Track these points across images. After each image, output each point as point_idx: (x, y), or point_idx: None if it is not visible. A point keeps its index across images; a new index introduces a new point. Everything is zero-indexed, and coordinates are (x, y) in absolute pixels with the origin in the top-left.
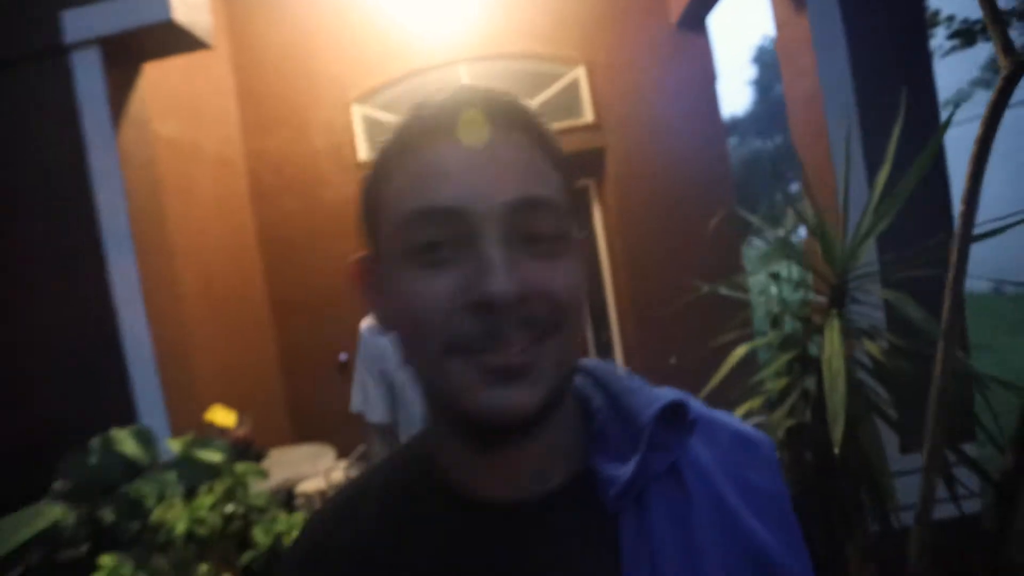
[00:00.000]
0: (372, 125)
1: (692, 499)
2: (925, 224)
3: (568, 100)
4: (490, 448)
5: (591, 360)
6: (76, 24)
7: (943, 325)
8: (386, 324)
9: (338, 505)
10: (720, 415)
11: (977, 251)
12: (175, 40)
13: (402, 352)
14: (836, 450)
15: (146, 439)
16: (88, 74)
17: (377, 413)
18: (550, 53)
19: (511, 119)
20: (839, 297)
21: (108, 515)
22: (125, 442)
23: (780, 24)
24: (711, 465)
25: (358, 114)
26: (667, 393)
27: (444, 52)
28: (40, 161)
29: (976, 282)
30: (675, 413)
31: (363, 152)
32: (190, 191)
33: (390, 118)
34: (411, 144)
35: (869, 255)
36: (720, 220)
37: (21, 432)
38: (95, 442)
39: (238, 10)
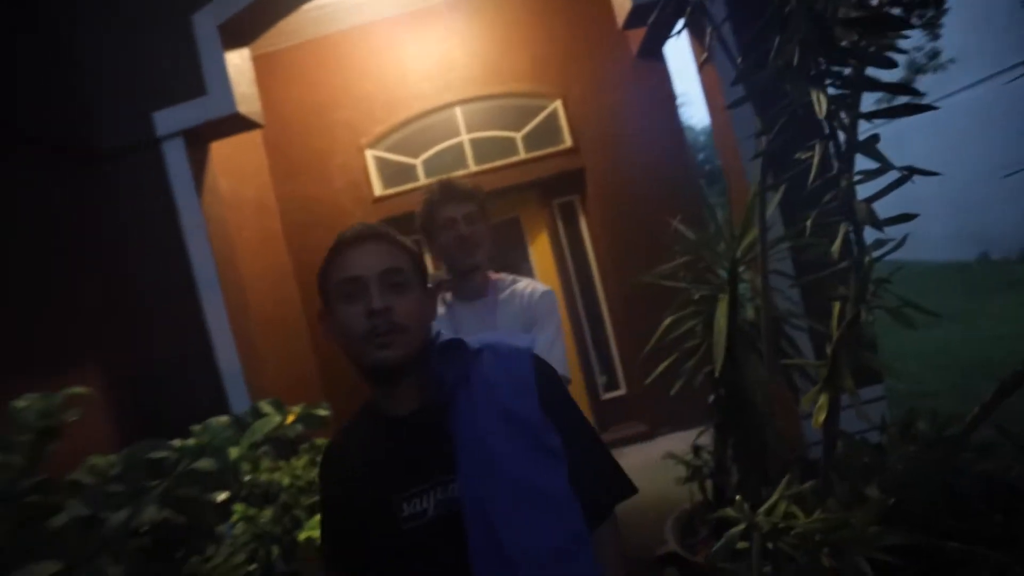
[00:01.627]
0: (383, 164)
1: (475, 392)
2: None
3: (549, 129)
4: (382, 384)
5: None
6: (165, 121)
7: (760, 285)
8: (334, 338)
9: (335, 440)
10: (504, 343)
11: (966, 221)
12: (237, 125)
13: (344, 350)
14: (716, 374)
15: (241, 424)
16: (175, 158)
17: None
18: (530, 90)
19: (379, 235)
20: (732, 277)
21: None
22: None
23: (699, 68)
24: (491, 370)
25: (370, 156)
26: (459, 339)
27: (440, 97)
28: (145, 226)
29: (965, 250)
30: (457, 348)
31: (376, 188)
32: (240, 233)
33: (397, 158)
34: (338, 251)
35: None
36: (680, 222)
37: (141, 420)
38: (197, 428)
39: (263, 75)
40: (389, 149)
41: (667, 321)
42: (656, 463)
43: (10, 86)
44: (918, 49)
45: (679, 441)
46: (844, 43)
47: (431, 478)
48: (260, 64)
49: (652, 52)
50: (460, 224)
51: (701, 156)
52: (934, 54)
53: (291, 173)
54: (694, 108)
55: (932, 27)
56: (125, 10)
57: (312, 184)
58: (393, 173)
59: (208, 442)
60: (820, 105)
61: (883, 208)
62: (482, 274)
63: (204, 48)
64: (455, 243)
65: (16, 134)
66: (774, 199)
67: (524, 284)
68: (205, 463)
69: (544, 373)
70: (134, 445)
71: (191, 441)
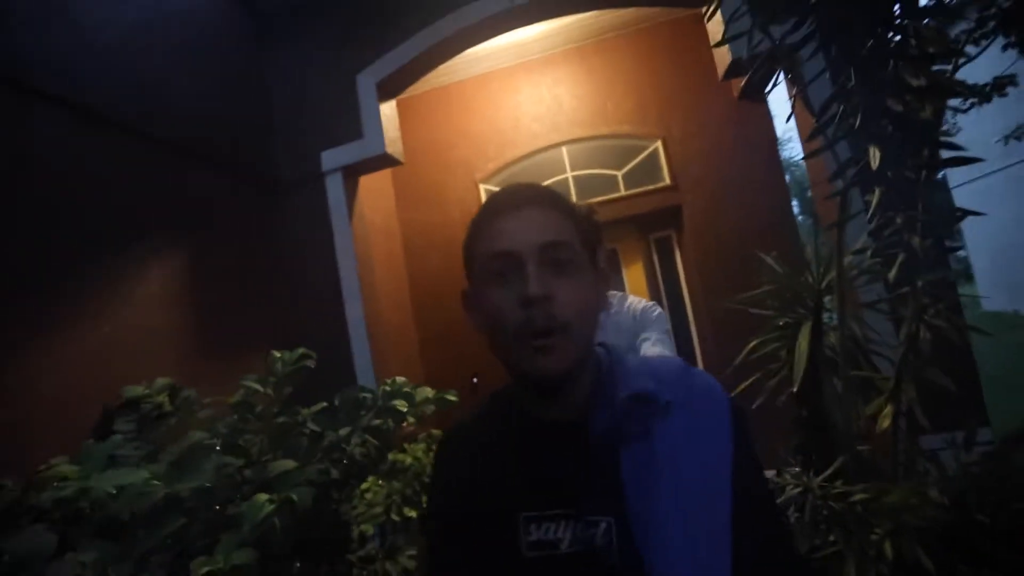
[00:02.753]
0: None
1: (655, 451)
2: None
3: (649, 167)
4: (539, 391)
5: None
6: (329, 159)
7: (838, 320)
8: (479, 326)
9: (461, 426)
10: (700, 379)
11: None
12: (385, 162)
13: (489, 342)
14: (795, 389)
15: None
16: (335, 189)
17: None
18: (632, 131)
19: (541, 199)
20: (816, 306)
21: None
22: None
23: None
24: (679, 416)
25: (483, 190)
26: (644, 383)
27: (549, 138)
28: (309, 244)
29: (993, 300)
30: (645, 401)
31: None
32: (368, 254)
33: None
34: (486, 218)
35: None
36: (774, 257)
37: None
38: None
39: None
40: (500, 184)
41: (753, 343)
42: None
43: (219, 125)
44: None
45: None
46: (900, 108)
47: (574, 504)
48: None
49: (755, 96)
50: None
51: (809, 193)
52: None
53: (413, 203)
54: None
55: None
56: (305, 69)
57: (431, 213)
58: None
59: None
60: (874, 159)
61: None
62: None
63: (364, 101)
64: None
65: (221, 164)
66: (858, 229)
67: (632, 301)
68: (398, 402)
69: (741, 428)
70: (344, 390)
71: (384, 387)
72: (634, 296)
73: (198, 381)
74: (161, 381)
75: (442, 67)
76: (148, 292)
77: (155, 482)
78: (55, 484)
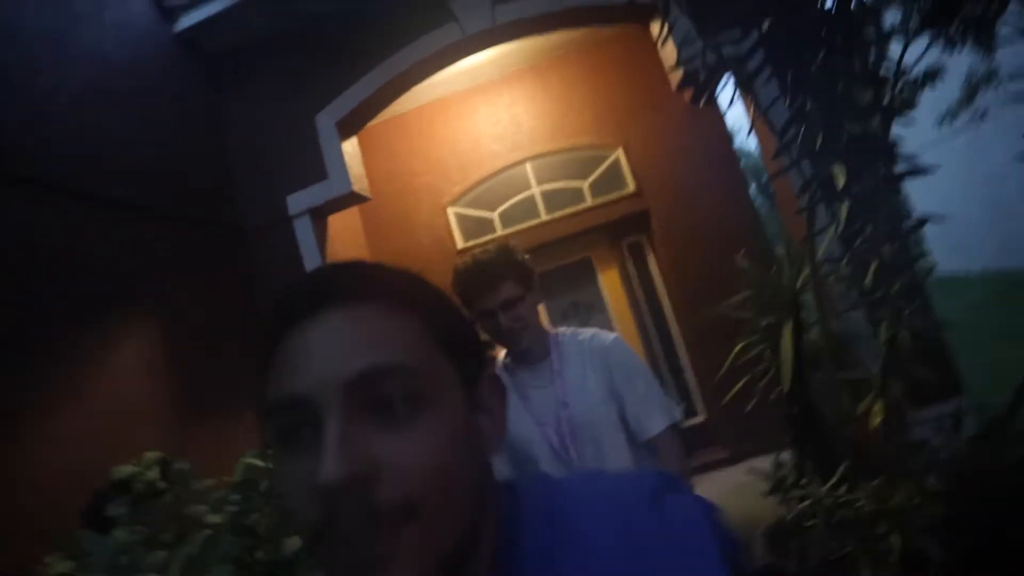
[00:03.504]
0: (463, 220)
1: None
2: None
3: (613, 176)
4: None
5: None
6: (295, 203)
7: (817, 313)
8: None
9: None
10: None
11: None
12: (351, 200)
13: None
14: (785, 390)
15: None
16: (303, 232)
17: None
18: (593, 142)
19: (361, 293)
20: (794, 305)
21: None
22: None
23: (752, 119)
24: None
25: (451, 213)
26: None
27: (511, 156)
28: (271, 282)
29: (944, 263)
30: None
31: (459, 241)
32: None
33: (477, 213)
34: (269, 333)
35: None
36: (742, 255)
37: None
38: None
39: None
40: (468, 205)
41: (738, 347)
42: (740, 486)
43: (177, 178)
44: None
45: (762, 464)
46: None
47: None
48: None
49: (705, 100)
50: (499, 316)
51: (765, 178)
52: (989, 75)
53: (382, 233)
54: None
55: (985, 46)
56: (262, 113)
57: (400, 240)
58: (473, 227)
59: None
60: (838, 179)
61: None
62: (538, 337)
63: (325, 141)
64: (499, 335)
65: (181, 217)
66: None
67: (588, 335)
68: None
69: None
70: None
71: None
72: (588, 329)
73: (188, 451)
74: (150, 455)
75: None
76: (124, 364)
77: None
78: None
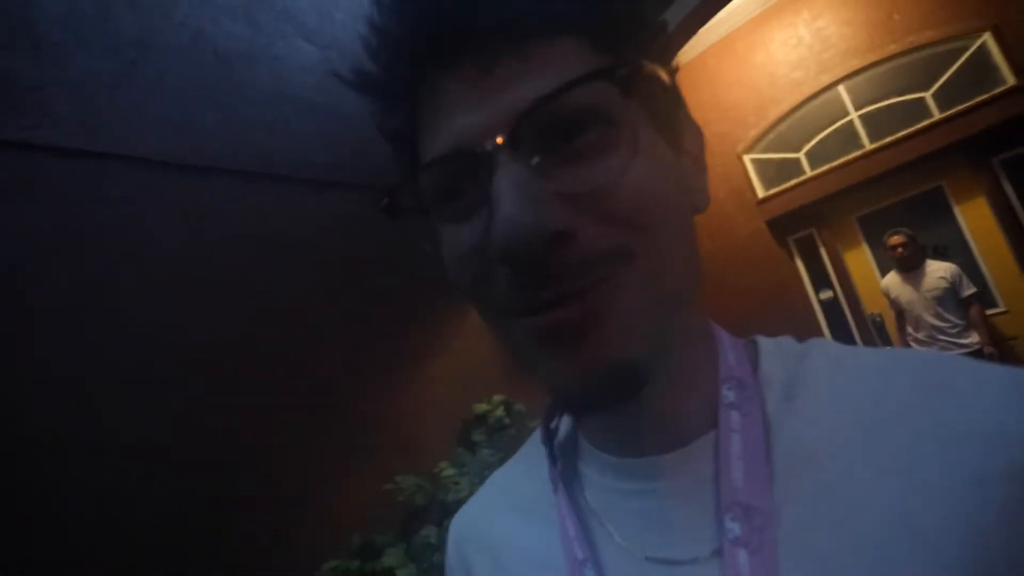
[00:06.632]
0: (762, 166)
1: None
2: None
3: (975, 74)
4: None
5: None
6: None
7: None
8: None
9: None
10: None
11: None
12: None
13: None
14: None
15: None
16: None
17: None
18: (940, 35)
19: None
20: None
21: None
22: None
23: None
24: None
25: (748, 161)
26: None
27: (817, 81)
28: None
29: None
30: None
31: (759, 190)
32: None
33: (778, 156)
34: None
35: None
36: None
37: None
38: None
39: None
40: (767, 149)
41: None
42: None
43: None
44: None
45: None
46: None
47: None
48: None
49: None
50: None
51: None
52: None
53: None
54: None
55: None
56: None
57: None
58: (775, 172)
59: None
60: None
61: None
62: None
63: None
64: None
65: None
66: None
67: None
68: None
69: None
70: None
71: None
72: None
73: (524, 394)
74: (497, 398)
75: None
76: (473, 325)
77: None
78: (453, 485)
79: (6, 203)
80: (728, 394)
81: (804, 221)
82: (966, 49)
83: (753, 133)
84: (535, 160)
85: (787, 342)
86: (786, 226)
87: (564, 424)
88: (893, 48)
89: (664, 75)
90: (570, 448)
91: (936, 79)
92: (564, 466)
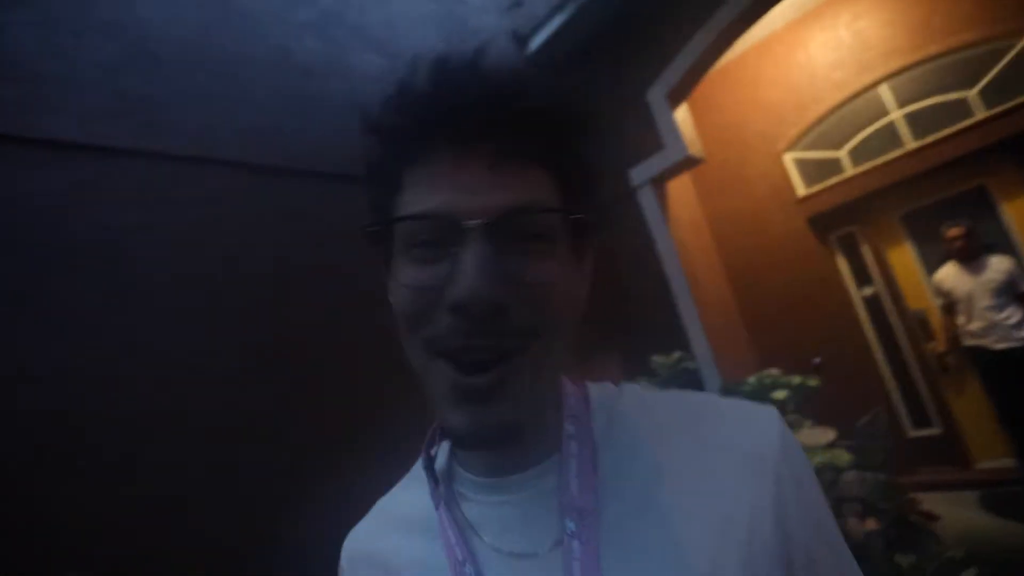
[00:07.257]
0: (803, 164)
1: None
2: None
3: (1018, 75)
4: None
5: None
6: (637, 175)
7: None
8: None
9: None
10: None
11: None
12: (688, 165)
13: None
14: None
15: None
16: (648, 201)
17: None
18: (980, 36)
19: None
20: None
21: None
22: None
23: None
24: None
25: (789, 159)
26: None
27: (858, 81)
28: (634, 253)
29: None
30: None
31: (799, 188)
32: (687, 253)
33: (819, 155)
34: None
35: None
36: None
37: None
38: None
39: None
40: (808, 148)
41: None
42: None
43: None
44: None
45: None
46: None
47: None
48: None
49: None
50: None
51: None
52: None
53: (714, 191)
54: None
55: None
56: (598, 104)
57: (735, 197)
58: (815, 170)
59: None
60: None
61: None
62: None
63: (658, 114)
64: None
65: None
66: None
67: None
68: (777, 393)
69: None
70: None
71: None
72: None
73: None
74: None
75: None
76: None
77: None
78: None
79: (129, 205)
80: (569, 427)
81: (845, 219)
82: (1010, 48)
83: (793, 132)
84: (498, 246)
85: (607, 386)
86: (827, 224)
87: (441, 452)
88: (933, 49)
89: (594, 219)
90: (447, 472)
91: (979, 79)
92: (444, 487)
